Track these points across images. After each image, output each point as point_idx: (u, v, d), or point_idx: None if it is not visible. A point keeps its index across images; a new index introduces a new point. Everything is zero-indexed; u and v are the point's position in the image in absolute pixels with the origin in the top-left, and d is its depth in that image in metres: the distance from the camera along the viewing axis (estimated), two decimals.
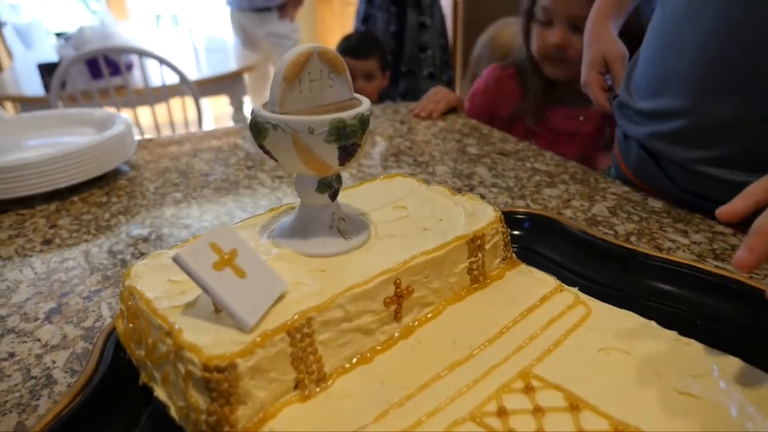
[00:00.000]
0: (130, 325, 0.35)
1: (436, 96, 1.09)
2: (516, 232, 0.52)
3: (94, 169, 0.74)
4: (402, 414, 0.30)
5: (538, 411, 0.30)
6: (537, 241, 0.52)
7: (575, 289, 0.41)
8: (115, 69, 1.88)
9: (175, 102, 2.04)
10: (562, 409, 0.30)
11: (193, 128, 1.52)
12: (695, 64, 0.59)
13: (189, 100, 1.98)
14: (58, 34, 2.19)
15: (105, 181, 0.78)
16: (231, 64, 2.33)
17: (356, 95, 0.38)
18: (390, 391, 0.32)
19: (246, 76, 2.44)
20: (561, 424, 0.30)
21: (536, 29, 1.04)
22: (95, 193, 0.75)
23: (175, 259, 0.30)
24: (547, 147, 0.90)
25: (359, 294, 0.34)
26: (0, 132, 0.85)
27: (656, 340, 0.36)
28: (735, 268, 0.34)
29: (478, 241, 0.41)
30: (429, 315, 0.38)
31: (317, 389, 0.32)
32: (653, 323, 0.37)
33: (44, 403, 0.38)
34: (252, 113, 0.36)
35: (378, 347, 0.35)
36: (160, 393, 0.32)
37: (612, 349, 0.35)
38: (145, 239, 0.62)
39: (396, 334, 0.36)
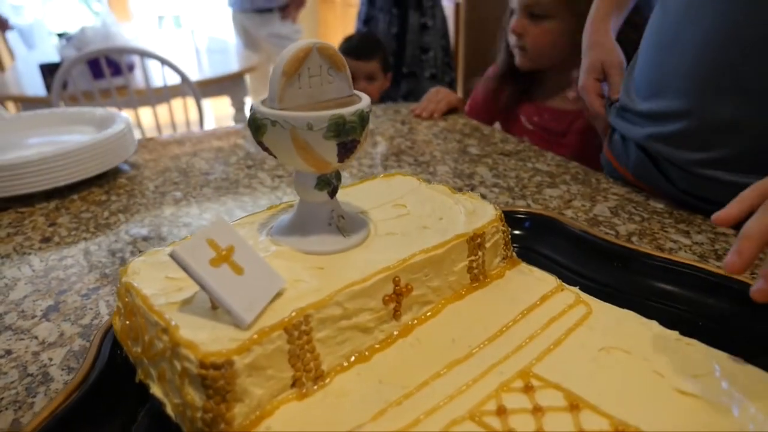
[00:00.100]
0: (127, 322, 0.34)
1: (437, 96, 1.09)
2: (517, 232, 0.52)
3: (94, 167, 0.74)
4: (400, 413, 0.30)
5: (537, 410, 0.30)
6: (538, 240, 0.52)
7: (576, 289, 0.41)
8: (117, 69, 1.89)
9: (177, 103, 2.04)
10: (561, 409, 0.30)
11: (195, 129, 1.51)
12: (695, 64, 0.58)
13: (190, 101, 1.98)
14: (60, 35, 2.19)
15: (105, 179, 0.78)
16: (233, 65, 2.33)
17: (356, 92, 0.38)
18: (388, 389, 0.32)
19: (247, 77, 2.44)
20: (561, 423, 0.29)
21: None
22: (95, 192, 0.74)
23: (172, 255, 0.30)
24: (547, 147, 0.90)
25: (358, 291, 0.34)
26: (0, 130, 0.85)
27: (657, 340, 0.35)
28: (726, 272, 0.34)
29: (478, 240, 0.41)
30: (428, 313, 0.38)
31: (315, 387, 0.32)
32: (654, 323, 0.37)
33: (40, 400, 0.38)
34: (251, 109, 0.35)
35: (377, 345, 0.35)
36: (156, 390, 0.32)
37: (613, 349, 0.35)
38: (145, 238, 0.62)
39: (395, 333, 0.36)
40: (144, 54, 1.88)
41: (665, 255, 0.46)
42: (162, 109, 2.00)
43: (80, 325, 0.46)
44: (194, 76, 2.03)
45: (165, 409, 0.31)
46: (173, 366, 0.30)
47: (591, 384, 0.32)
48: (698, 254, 0.53)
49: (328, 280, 0.34)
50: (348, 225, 0.40)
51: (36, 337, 0.45)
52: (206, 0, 4.28)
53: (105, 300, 0.50)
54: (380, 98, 1.72)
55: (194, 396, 0.29)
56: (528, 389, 0.32)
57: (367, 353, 0.34)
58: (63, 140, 0.82)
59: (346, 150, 0.35)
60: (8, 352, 0.43)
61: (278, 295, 0.32)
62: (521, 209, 0.55)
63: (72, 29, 2.17)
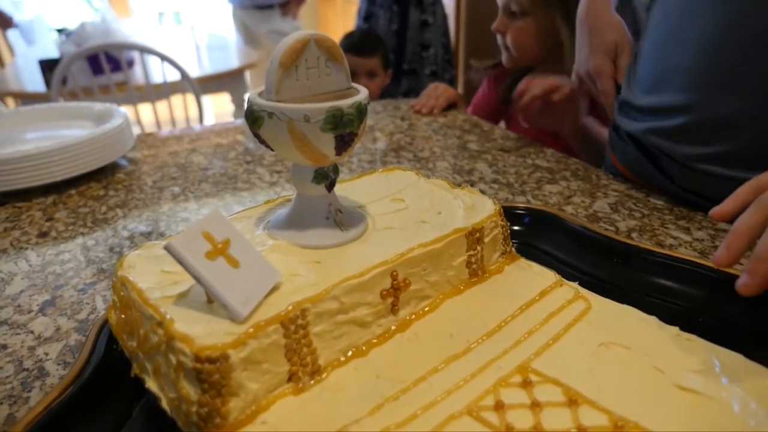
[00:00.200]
0: (123, 315, 0.34)
1: (436, 92, 1.09)
2: (516, 228, 0.52)
3: (92, 162, 0.74)
4: (397, 407, 0.30)
5: (535, 405, 0.30)
6: (537, 236, 0.52)
7: (575, 284, 0.41)
8: (116, 65, 1.88)
9: (177, 99, 2.03)
10: (560, 404, 0.30)
11: (195, 125, 1.51)
12: (696, 62, 0.58)
13: (190, 97, 1.98)
14: (59, 30, 2.19)
15: (103, 174, 0.78)
16: (233, 62, 2.33)
17: (354, 84, 0.37)
18: (385, 384, 0.31)
19: (247, 74, 2.43)
20: (559, 418, 0.29)
21: None
22: (93, 187, 0.74)
23: (167, 248, 0.29)
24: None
25: (355, 286, 0.33)
26: None
27: (657, 336, 0.35)
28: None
29: (477, 234, 0.40)
30: (426, 308, 0.38)
31: (311, 382, 0.32)
32: (654, 318, 0.37)
33: (36, 395, 0.38)
34: (247, 101, 0.35)
35: (374, 340, 0.35)
36: (151, 384, 0.31)
37: (612, 344, 0.34)
38: (142, 233, 0.61)
39: (392, 327, 0.36)
40: (144, 50, 1.88)
41: (665, 251, 0.46)
42: (162, 105, 2.00)
43: (76, 320, 0.46)
44: (194, 72, 2.02)
45: (160, 403, 0.31)
46: (168, 360, 0.29)
47: (590, 379, 0.31)
48: (698, 250, 0.53)
49: (325, 274, 0.34)
50: (346, 219, 0.39)
51: (32, 332, 0.44)
52: None
53: (102, 295, 0.49)
54: (380, 95, 1.72)
55: (189, 390, 0.28)
56: (526, 384, 0.31)
57: (364, 348, 0.34)
58: (61, 135, 0.81)
59: (343, 143, 0.35)
60: (4, 346, 0.43)
61: (275, 288, 0.32)
62: (521, 205, 0.55)
63: (72, 25, 2.16)
